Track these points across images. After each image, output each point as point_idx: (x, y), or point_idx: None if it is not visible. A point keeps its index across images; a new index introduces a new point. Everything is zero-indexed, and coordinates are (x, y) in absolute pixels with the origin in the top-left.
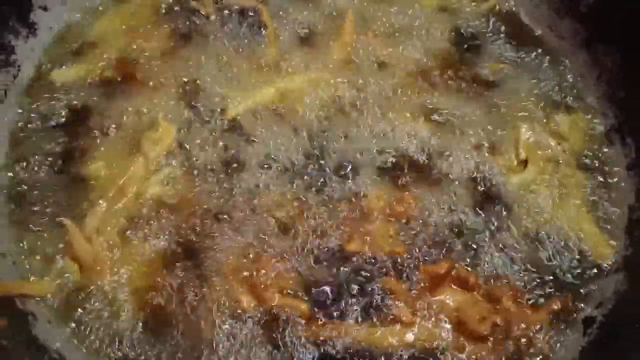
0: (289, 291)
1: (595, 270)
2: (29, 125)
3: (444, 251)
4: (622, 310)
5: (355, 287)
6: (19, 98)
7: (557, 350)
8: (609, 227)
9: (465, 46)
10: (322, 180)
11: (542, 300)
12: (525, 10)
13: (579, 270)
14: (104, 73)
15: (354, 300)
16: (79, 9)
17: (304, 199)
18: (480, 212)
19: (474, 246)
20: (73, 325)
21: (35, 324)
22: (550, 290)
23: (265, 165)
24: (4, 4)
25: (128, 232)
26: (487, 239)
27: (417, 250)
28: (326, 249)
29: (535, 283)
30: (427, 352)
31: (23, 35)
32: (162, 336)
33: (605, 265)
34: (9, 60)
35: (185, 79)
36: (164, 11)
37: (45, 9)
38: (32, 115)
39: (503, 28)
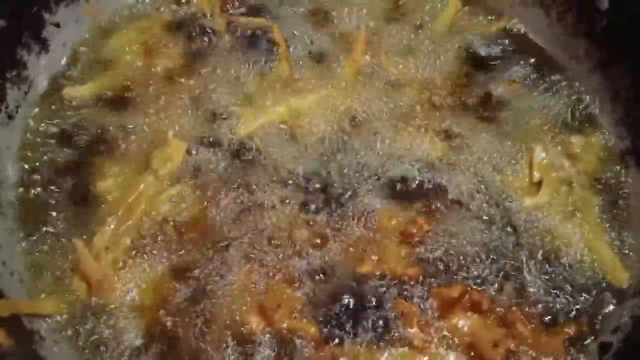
0: (298, 313)
1: (611, 295)
2: (39, 142)
3: (457, 274)
4: (638, 336)
5: (366, 310)
6: (30, 114)
7: None
8: (625, 250)
9: (477, 66)
10: (332, 200)
11: (557, 325)
12: (538, 30)
13: (594, 295)
14: (115, 90)
15: (364, 323)
16: (92, 26)
17: (314, 219)
18: (493, 234)
19: (488, 269)
20: (80, 345)
21: (42, 344)
22: (565, 315)
23: (276, 185)
24: (17, 20)
25: (137, 250)
26: (500, 262)
27: (430, 273)
28: (337, 271)
29: (549, 307)
30: None
31: (35, 52)
32: (170, 357)
33: (622, 289)
34: (21, 76)
35: (197, 97)
36: (176, 29)
37: (58, 25)
38: (43, 131)
39: (515, 48)
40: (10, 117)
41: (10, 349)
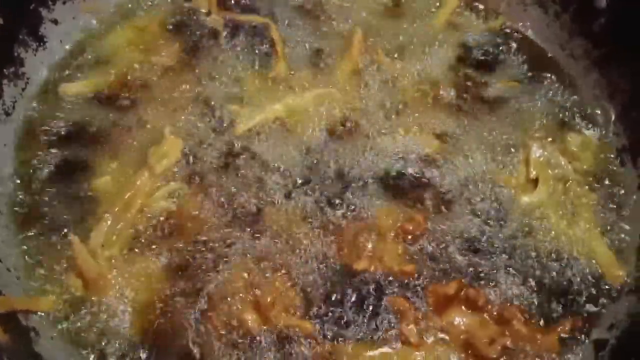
0: (294, 311)
1: (607, 292)
2: (36, 139)
3: (453, 271)
4: (634, 332)
5: (362, 307)
6: (26, 111)
7: None
8: (621, 248)
9: (474, 64)
10: (329, 197)
11: (553, 322)
12: (536, 28)
13: (590, 292)
14: (112, 87)
15: (361, 320)
16: (90, 23)
17: (311, 216)
18: (489, 231)
19: (484, 267)
20: (75, 341)
21: (38, 340)
22: (561, 312)
23: (273, 182)
24: (14, 16)
25: (133, 247)
26: (497, 259)
27: (426, 270)
28: (333, 268)
29: (546, 305)
30: None
31: (32, 48)
32: (165, 354)
33: (617, 286)
34: (17, 73)
35: (194, 94)
36: (174, 27)
37: (55, 22)
38: (40, 128)
39: (513, 46)
40: (7, 113)
41: (6, 345)
